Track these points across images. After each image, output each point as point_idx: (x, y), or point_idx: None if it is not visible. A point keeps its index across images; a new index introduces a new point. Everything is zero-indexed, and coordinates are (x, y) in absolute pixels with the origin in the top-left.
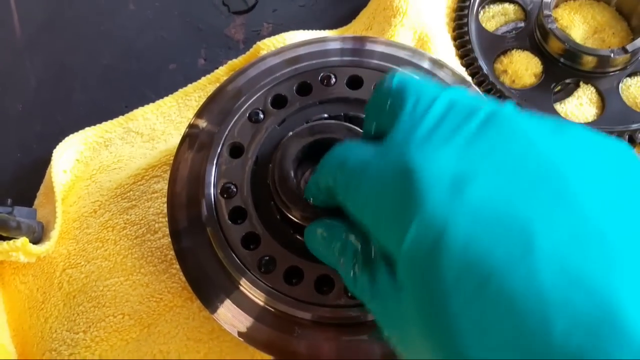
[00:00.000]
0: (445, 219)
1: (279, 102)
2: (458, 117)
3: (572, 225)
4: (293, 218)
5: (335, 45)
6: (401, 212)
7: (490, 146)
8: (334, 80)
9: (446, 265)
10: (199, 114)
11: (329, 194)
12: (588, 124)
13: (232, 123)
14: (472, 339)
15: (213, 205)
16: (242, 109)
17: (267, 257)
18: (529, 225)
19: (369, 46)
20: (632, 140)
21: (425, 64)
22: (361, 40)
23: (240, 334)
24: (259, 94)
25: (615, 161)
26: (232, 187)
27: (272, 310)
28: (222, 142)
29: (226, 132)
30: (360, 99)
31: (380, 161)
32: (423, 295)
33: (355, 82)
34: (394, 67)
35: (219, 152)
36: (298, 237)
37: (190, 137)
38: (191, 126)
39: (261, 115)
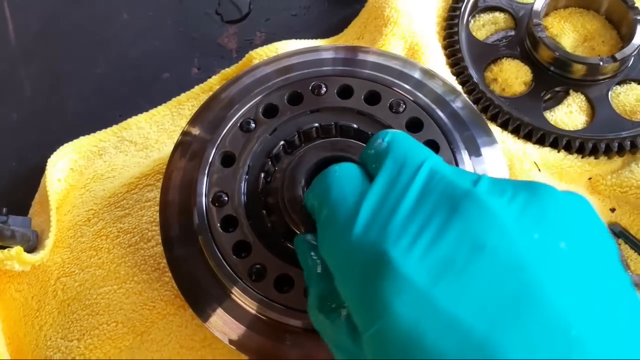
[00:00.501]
0: (414, 326)
1: (270, 111)
2: (431, 204)
3: (543, 344)
4: (291, 225)
5: (328, 55)
6: (369, 301)
7: (462, 242)
8: (324, 89)
9: None
10: (192, 122)
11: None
12: (578, 131)
13: (223, 132)
14: None
15: (205, 214)
16: (234, 118)
17: (258, 265)
18: (500, 351)
19: (361, 56)
20: (621, 148)
21: (416, 74)
22: (353, 50)
23: (231, 341)
24: (250, 104)
25: (579, 232)
26: (224, 195)
27: (264, 318)
28: (213, 151)
29: (218, 141)
30: (351, 107)
31: (356, 237)
32: None
33: (345, 92)
34: (386, 77)
35: (211, 161)
36: (289, 245)
37: (183, 145)
38: (184, 134)
39: (252, 125)
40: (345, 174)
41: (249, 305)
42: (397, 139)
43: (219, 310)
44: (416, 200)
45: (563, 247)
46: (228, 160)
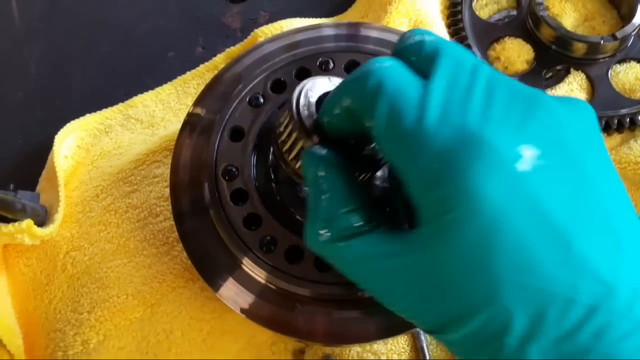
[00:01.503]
0: (503, 208)
1: (279, 86)
2: (504, 95)
3: (600, 227)
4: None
5: (330, 31)
6: (451, 182)
7: (544, 133)
8: (332, 65)
9: (496, 249)
10: (199, 100)
11: (349, 118)
12: None
13: (232, 108)
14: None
15: (215, 188)
16: (242, 94)
17: (269, 237)
18: (570, 235)
19: (364, 32)
20: (620, 125)
21: None
22: (355, 26)
23: (242, 310)
24: (258, 79)
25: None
26: (234, 169)
27: (273, 287)
28: (222, 126)
29: (227, 117)
30: None
31: (437, 121)
32: (470, 265)
33: (353, 67)
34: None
35: (220, 136)
36: (298, 217)
37: (192, 122)
38: (192, 111)
39: (261, 100)
40: (393, 66)
41: (259, 275)
42: (442, 40)
43: (230, 281)
44: (486, 90)
45: (601, 143)
46: (237, 134)
